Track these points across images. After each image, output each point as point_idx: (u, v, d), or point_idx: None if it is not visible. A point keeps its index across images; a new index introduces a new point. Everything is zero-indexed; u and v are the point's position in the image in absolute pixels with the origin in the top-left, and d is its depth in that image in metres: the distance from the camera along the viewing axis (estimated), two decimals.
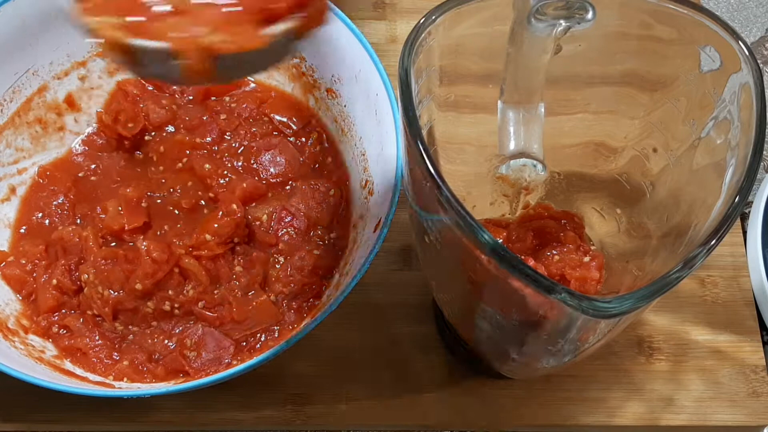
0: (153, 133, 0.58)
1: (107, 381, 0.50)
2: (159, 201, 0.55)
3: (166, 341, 0.51)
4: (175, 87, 0.60)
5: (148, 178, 0.57)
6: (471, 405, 0.54)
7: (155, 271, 0.50)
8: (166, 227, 0.54)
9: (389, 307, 0.57)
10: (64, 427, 0.53)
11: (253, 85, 0.60)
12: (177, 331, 0.51)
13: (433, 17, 0.40)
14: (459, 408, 0.54)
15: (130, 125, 0.57)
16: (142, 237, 0.53)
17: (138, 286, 0.50)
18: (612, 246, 0.51)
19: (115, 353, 0.51)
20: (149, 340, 0.51)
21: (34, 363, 0.48)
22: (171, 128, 0.58)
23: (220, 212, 0.52)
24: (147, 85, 0.60)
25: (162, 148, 0.57)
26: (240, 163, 0.57)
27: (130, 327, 0.52)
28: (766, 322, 0.57)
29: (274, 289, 0.52)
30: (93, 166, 0.58)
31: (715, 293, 0.58)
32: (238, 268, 0.52)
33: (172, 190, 0.56)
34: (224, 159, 0.57)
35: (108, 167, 0.58)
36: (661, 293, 0.34)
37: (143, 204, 0.55)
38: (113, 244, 0.53)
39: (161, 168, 0.57)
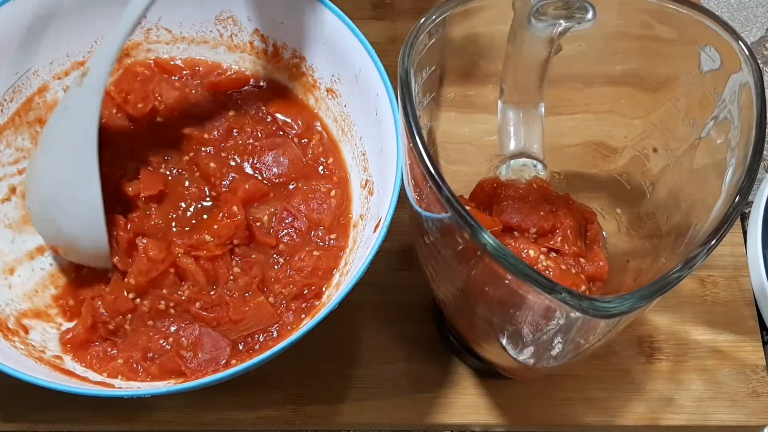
0: (160, 120, 0.57)
1: (107, 381, 0.50)
2: (171, 178, 0.56)
3: (162, 341, 0.51)
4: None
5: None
6: (471, 405, 0.54)
7: (149, 269, 0.51)
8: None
9: (389, 307, 0.57)
10: (64, 427, 0.53)
11: (263, 83, 0.60)
12: (173, 330, 0.51)
13: (433, 17, 0.40)
14: (459, 408, 0.54)
15: (139, 105, 0.57)
16: (155, 206, 0.54)
17: (131, 281, 0.50)
18: (612, 246, 0.51)
19: (111, 349, 0.51)
20: (144, 337, 0.51)
21: (34, 363, 0.48)
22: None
23: (221, 213, 0.52)
24: (155, 66, 0.59)
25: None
26: (244, 162, 0.57)
27: (125, 327, 0.51)
28: (766, 322, 0.57)
29: (273, 290, 0.52)
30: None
31: (715, 293, 0.58)
32: (236, 269, 0.52)
33: (180, 170, 0.56)
34: (229, 157, 0.57)
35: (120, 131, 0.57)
36: (662, 293, 0.34)
37: (162, 170, 0.55)
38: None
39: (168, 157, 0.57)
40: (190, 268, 0.51)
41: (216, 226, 0.52)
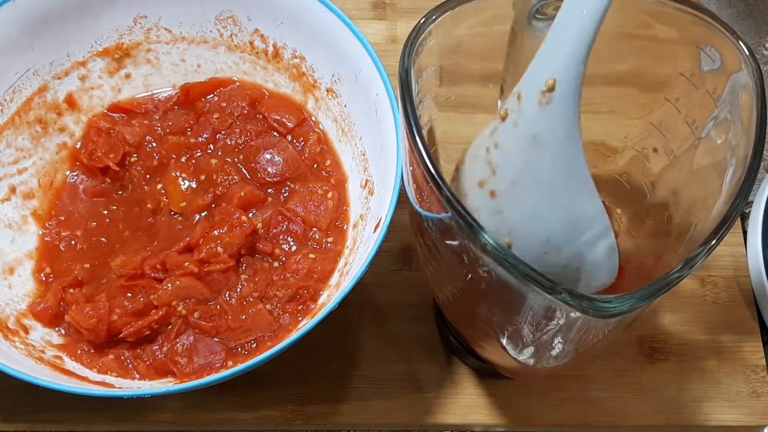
0: (135, 156, 0.57)
1: (107, 380, 0.50)
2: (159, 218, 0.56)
3: (155, 347, 0.51)
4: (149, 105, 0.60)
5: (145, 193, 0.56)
6: (471, 405, 0.54)
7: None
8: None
9: (389, 307, 0.57)
10: (64, 427, 0.53)
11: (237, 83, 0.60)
12: (167, 335, 0.51)
13: (433, 17, 0.40)
14: (459, 408, 0.54)
15: (111, 155, 0.57)
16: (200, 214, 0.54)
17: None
18: None
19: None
20: (138, 345, 0.51)
21: (34, 363, 0.48)
22: (154, 144, 0.57)
23: (227, 224, 0.52)
24: (115, 115, 0.60)
25: (155, 158, 0.57)
26: (239, 162, 0.57)
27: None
28: (766, 322, 0.58)
29: (269, 294, 0.52)
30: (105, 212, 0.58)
31: (715, 293, 0.58)
32: (243, 276, 0.52)
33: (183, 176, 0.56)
34: (225, 157, 0.57)
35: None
36: (662, 293, 0.34)
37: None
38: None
39: (158, 179, 0.56)
40: (195, 285, 0.51)
41: (227, 238, 0.52)
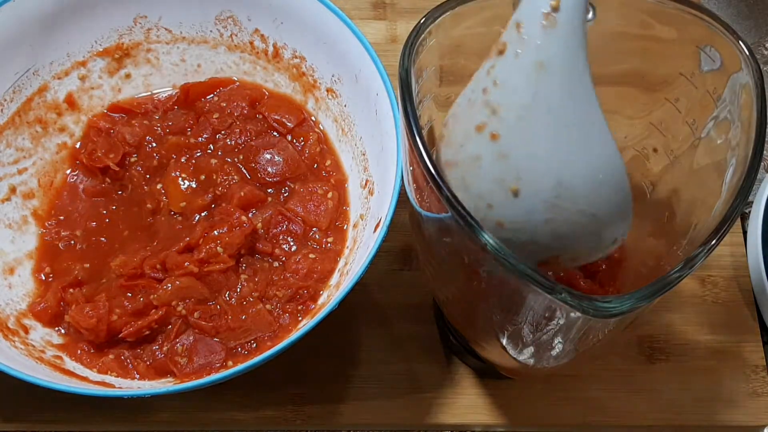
0: (135, 156, 0.57)
1: (107, 380, 0.50)
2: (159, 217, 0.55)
3: (155, 347, 0.51)
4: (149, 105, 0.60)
5: (145, 193, 0.56)
6: (471, 405, 0.54)
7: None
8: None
9: (389, 307, 0.57)
10: (64, 427, 0.53)
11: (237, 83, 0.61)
12: (167, 335, 0.51)
13: (434, 17, 0.40)
14: (459, 408, 0.54)
15: (111, 155, 0.57)
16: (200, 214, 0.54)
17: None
18: None
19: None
20: (138, 345, 0.51)
21: (34, 363, 0.48)
22: (154, 144, 0.57)
23: (227, 224, 0.52)
24: (115, 115, 0.60)
25: (155, 158, 0.57)
26: (239, 162, 0.57)
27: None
28: (766, 322, 0.57)
29: (269, 294, 0.52)
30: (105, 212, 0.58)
31: (715, 293, 0.58)
32: (243, 276, 0.52)
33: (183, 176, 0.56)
34: (225, 157, 0.57)
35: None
36: (662, 293, 0.34)
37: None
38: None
39: (157, 179, 0.56)
40: (195, 285, 0.51)
41: (227, 238, 0.52)
